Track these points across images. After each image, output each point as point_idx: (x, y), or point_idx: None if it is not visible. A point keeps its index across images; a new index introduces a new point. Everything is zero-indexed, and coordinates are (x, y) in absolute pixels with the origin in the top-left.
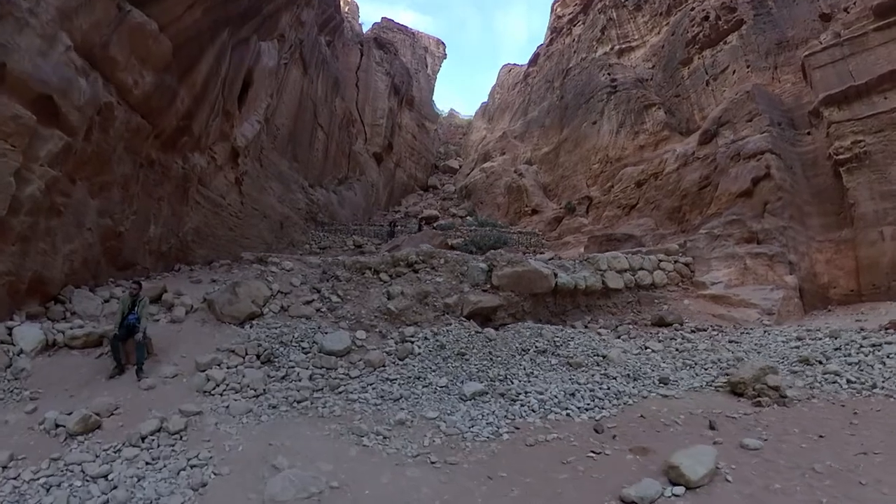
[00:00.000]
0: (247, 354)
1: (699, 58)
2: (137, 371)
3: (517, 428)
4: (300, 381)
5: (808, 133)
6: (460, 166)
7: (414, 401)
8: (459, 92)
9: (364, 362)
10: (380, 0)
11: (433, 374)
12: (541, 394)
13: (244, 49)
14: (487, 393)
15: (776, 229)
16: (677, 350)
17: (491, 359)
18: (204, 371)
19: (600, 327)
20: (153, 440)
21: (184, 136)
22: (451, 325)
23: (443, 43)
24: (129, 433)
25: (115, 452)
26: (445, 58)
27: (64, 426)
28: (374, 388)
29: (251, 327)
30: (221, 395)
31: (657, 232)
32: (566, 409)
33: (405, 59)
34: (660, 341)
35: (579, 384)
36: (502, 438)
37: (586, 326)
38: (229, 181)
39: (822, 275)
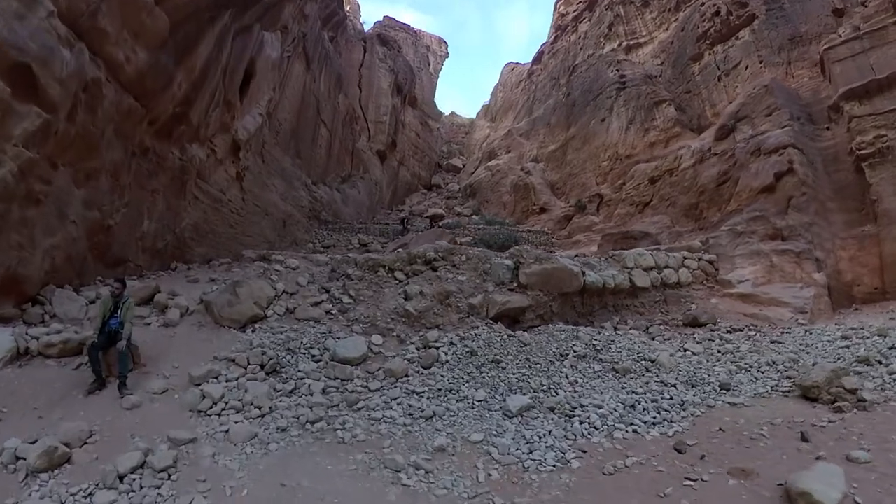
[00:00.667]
0: (249, 364)
1: (710, 53)
2: (119, 386)
3: (584, 451)
4: (312, 395)
5: (828, 128)
6: (464, 165)
7: (450, 419)
8: (461, 92)
9: (384, 372)
10: (381, 0)
11: (467, 385)
12: (599, 407)
13: (247, 38)
14: (535, 407)
15: (801, 225)
16: (719, 352)
17: (529, 366)
18: (199, 385)
19: (630, 328)
20: (134, 480)
21: (181, 124)
22: (477, 328)
23: (445, 42)
24: (104, 470)
25: (85, 498)
26: (447, 57)
27: (25, 459)
28: (399, 404)
29: (253, 332)
30: (220, 415)
31: (673, 229)
32: (631, 424)
33: (408, 58)
34: (698, 342)
35: (636, 393)
36: (571, 466)
37: (615, 328)
38: (230, 176)
39: (846, 272)
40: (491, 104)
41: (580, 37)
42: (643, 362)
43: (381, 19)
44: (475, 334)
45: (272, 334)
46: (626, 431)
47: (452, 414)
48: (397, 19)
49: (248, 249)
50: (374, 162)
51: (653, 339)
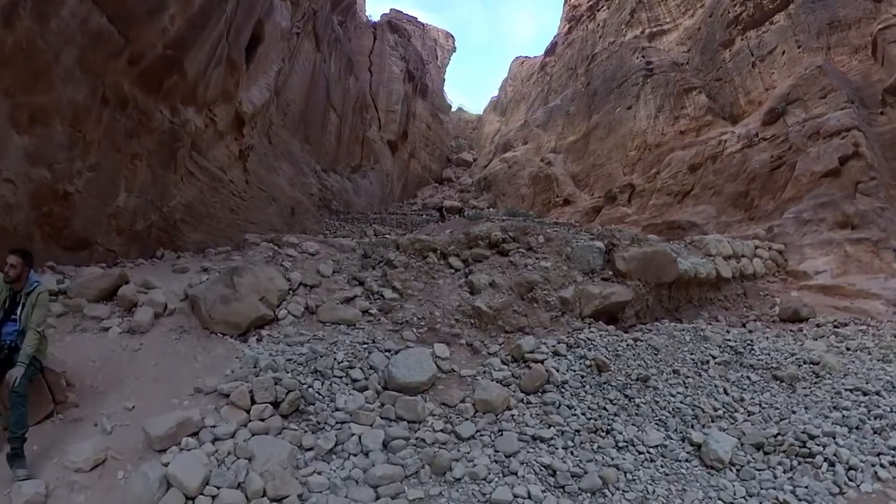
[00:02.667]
0: (253, 403)
1: (742, 39)
2: (9, 458)
3: None
4: (368, 457)
5: (882, 113)
6: (474, 159)
7: (634, 488)
8: (466, 89)
9: (476, 404)
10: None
11: (619, 419)
12: (832, 436)
13: None
14: (737, 448)
15: (873, 211)
16: (848, 349)
17: (682, 383)
18: (164, 452)
19: (727, 326)
20: None
21: (173, 72)
22: (581, 330)
23: (452, 36)
24: None
25: None
26: (455, 51)
27: None
28: (526, 465)
29: (259, 342)
30: None
31: (720, 219)
32: (880, 454)
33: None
34: (814, 339)
35: (844, 410)
36: None
37: (709, 324)
38: (232, 153)
39: None
40: (500, 98)
41: (598, 25)
42: (806, 366)
43: (387, 12)
44: (586, 339)
45: (288, 346)
46: (884, 467)
47: (630, 476)
48: (404, 12)
49: (252, 234)
50: (385, 153)
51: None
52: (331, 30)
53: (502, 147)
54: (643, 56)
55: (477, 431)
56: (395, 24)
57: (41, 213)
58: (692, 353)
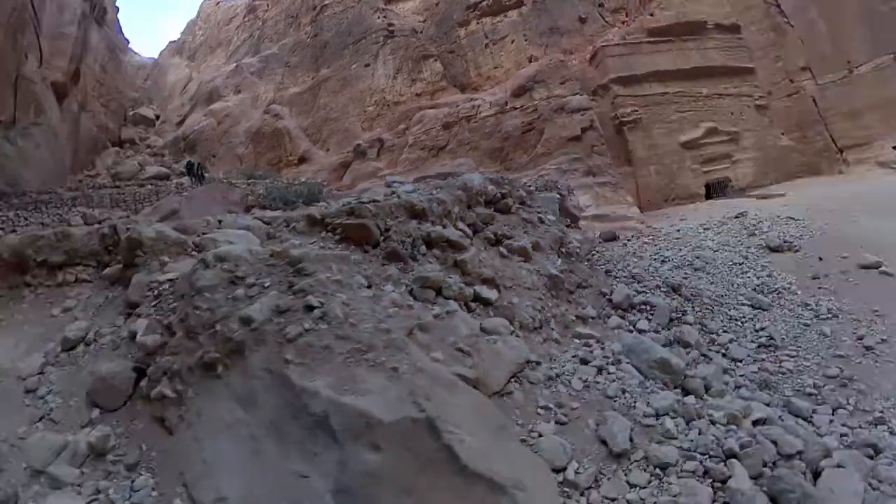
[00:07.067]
0: None
1: (478, 23)
2: None
3: None
4: None
5: (593, 100)
6: (157, 116)
7: None
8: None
9: None
10: None
11: None
12: None
13: None
14: None
15: (605, 165)
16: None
17: None
18: None
19: None
20: None
21: None
22: None
23: None
24: None
25: None
26: None
27: None
28: None
29: None
30: None
31: (478, 170)
32: None
33: None
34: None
35: None
36: None
37: None
38: None
39: None
40: (185, 41)
41: None
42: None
43: None
44: None
45: None
46: None
47: None
48: None
49: None
50: (51, 100)
51: None
52: None
53: (206, 97)
54: (384, 17)
55: None
56: None
57: None
58: None
